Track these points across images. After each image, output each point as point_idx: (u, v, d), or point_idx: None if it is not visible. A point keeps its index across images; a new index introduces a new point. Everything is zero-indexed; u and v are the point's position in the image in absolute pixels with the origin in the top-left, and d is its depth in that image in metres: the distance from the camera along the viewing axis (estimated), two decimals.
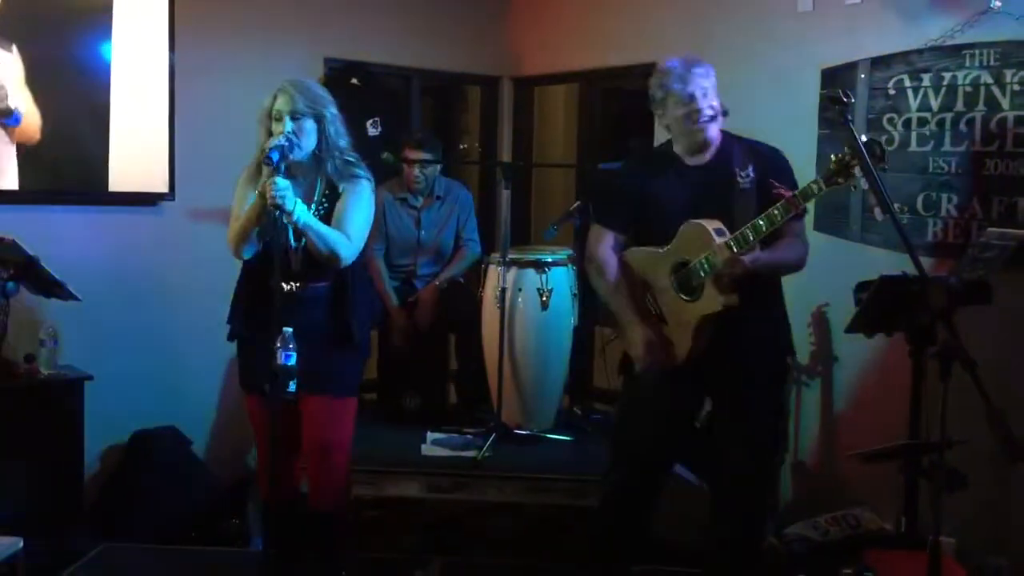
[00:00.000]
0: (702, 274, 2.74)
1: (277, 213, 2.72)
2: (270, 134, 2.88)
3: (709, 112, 2.79)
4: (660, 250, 2.86)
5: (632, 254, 2.96)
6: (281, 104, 2.86)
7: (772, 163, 2.86)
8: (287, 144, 2.77)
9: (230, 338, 3.08)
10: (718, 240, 2.70)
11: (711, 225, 2.74)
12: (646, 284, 2.92)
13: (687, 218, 2.79)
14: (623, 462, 3.03)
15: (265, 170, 2.79)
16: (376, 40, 4.90)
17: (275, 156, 2.70)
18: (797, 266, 2.87)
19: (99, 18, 3.97)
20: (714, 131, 2.84)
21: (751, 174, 2.81)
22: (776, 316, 2.94)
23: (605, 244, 2.97)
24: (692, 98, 2.78)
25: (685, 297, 2.81)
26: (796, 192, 2.64)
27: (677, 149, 2.93)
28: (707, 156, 2.88)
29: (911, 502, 3.26)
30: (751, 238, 2.68)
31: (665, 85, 2.82)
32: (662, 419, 2.95)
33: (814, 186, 2.60)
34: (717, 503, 2.97)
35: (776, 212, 2.63)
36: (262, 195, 2.76)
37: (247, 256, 2.94)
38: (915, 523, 3.25)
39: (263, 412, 2.80)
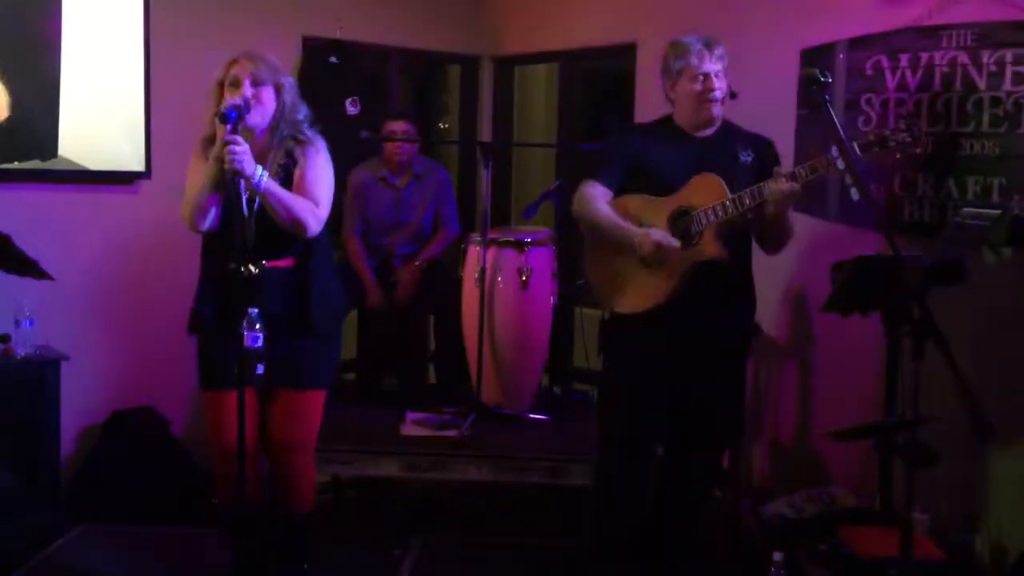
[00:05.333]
0: (707, 221, 2.84)
1: (234, 178, 2.56)
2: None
3: (719, 93, 2.95)
4: (659, 198, 2.96)
5: (628, 198, 3.02)
6: (239, 70, 2.73)
7: (769, 151, 3.04)
8: (243, 105, 2.63)
9: (191, 331, 2.90)
10: (732, 195, 2.82)
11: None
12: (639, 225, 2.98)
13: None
14: (625, 435, 3.07)
15: (219, 132, 2.60)
16: (355, 18, 4.85)
17: (232, 115, 2.55)
18: (789, 240, 3.00)
19: None
20: (720, 110, 2.99)
21: (751, 155, 2.99)
22: (749, 284, 3.06)
23: (596, 193, 3.02)
24: (707, 76, 2.93)
25: (680, 242, 2.91)
26: (829, 155, 2.72)
27: (680, 121, 3.04)
28: (710, 131, 3.02)
29: (885, 479, 3.30)
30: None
31: (682, 60, 2.96)
32: (651, 384, 3.01)
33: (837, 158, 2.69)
34: (673, 462, 3.12)
35: (802, 171, 2.74)
36: (218, 159, 2.59)
37: (204, 229, 2.78)
38: (890, 500, 3.29)
39: (230, 409, 2.61)
